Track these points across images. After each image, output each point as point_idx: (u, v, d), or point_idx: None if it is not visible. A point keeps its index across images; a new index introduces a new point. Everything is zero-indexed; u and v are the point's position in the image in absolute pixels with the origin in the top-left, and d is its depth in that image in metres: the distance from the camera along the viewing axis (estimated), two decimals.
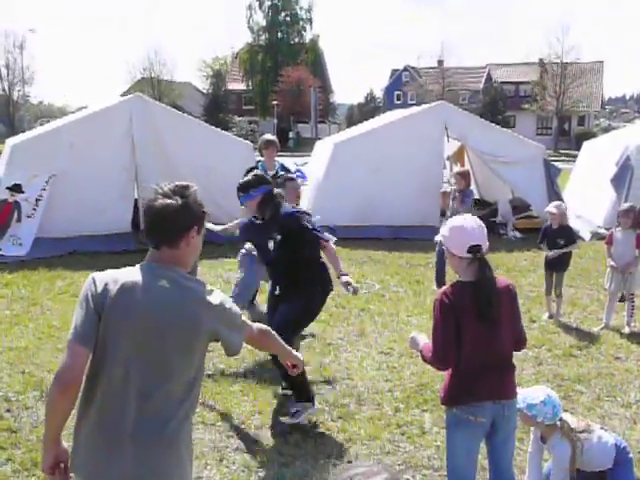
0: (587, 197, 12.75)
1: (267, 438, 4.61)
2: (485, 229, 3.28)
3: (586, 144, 15.11)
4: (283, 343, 2.92)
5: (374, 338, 6.76)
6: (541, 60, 53.18)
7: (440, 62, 57.63)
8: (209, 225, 5.36)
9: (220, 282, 8.66)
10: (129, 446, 2.28)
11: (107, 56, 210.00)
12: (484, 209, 13.32)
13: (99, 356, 2.33)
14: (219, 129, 13.34)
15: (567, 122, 55.63)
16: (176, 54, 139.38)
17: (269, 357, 5.55)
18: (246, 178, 4.98)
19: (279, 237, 4.86)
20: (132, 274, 2.39)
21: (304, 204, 10.86)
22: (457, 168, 12.74)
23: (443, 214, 8.83)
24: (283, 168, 8.05)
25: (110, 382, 2.31)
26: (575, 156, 16.75)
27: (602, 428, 3.89)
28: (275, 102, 52.27)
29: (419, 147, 12.04)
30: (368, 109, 59.81)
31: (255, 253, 5.94)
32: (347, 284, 4.95)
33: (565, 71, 49.49)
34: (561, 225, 7.31)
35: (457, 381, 3.21)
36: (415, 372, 5.80)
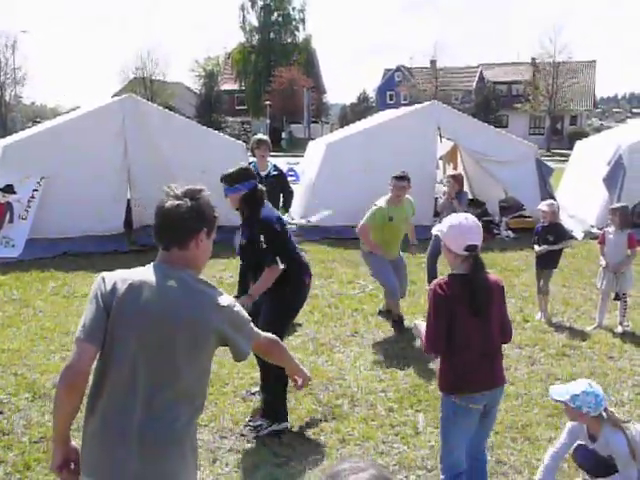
0: (580, 196, 12.80)
1: (261, 439, 4.60)
2: (481, 228, 3.45)
3: (578, 143, 15.17)
4: (291, 356, 2.94)
5: (367, 338, 6.76)
6: (533, 60, 53.30)
7: (433, 62, 57.69)
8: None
9: (213, 283, 8.62)
10: (135, 445, 2.29)
11: (99, 57, 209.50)
12: (477, 209, 13.35)
13: (107, 354, 2.33)
14: (212, 129, 13.31)
15: (560, 122, 55.78)
16: (169, 54, 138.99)
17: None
18: (232, 169, 4.76)
19: (262, 237, 4.55)
20: (141, 273, 2.41)
21: (297, 204, 10.86)
22: (450, 169, 12.80)
23: (436, 215, 8.84)
24: (276, 168, 8.03)
25: (117, 381, 2.32)
26: (568, 155, 16.81)
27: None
28: (268, 102, 52.22)
29: (412, 147, 12.05)
30: (361, 109, 59.81)
31: None
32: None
33: (557, 71, 49.60)
34: (552, 222, 7.34)
35: (454, 370, 3.38)
36: (409, 372, 5.80)
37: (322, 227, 11.89)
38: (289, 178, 9.04)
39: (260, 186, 4.79)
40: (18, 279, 8.95)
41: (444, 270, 8.74)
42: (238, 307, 2.53)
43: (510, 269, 9.88)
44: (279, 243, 4.63)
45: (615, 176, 11.76)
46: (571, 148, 15.97)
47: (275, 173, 7.95)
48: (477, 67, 61.83)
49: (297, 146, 37.95)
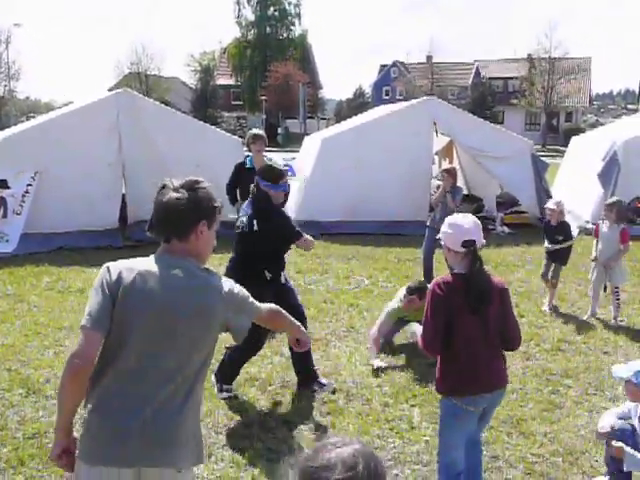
0: (575, 192, 12.80)
1: (256, 434, 4.59)
2: (481, 226, 3.47)
3: (574, 139, 15.19)
4: (292, 320, 2.98)
5: (363, 333, 6.75)
6: (529, 56, 53.32)
7: (429, 58, 57.68)
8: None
9: None
10: (141, 431, 2.30)
11: (94, 51, 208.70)
12: (473, 204, 13.36)
13: (112, 342, 2.35)
14: (207, 124, 13.27)
15: (555, 118, 55.82)
16: (164, 49, 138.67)
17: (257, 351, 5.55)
18: (276, 168, 5.09)
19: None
20: (146, 263, 2.43)
21: (292, 200, 10.84)
22: (446, 164, 12.79)
23: (432, 210, 8.85)
24: None
25: (123, 369, 2.34)
26: (563, 151, 16.83)
27: None
28: (264, 97, 52.09)
29: (408, 142, 12.05)
30: (357, 104, 59.71)
31: None
32: None
33: (553, 67, 49.64)
34: (559, 222, 7.50)
35: (453, 372, 3.36)
36: (404, 367, 5.80)
37: (317, 222, 11.88)
38: None
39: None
40: (12, 274, 8.92)
41: (440, 266, 8.75)
42: (238, 288, 2.56)
43: (505, 265, 9.89)
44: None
45: (610, 172, 11.78)
46: (566, 144, 16.00)
47: None
48: (473, 63, 61.87)
49: (293, 141, 37.89)
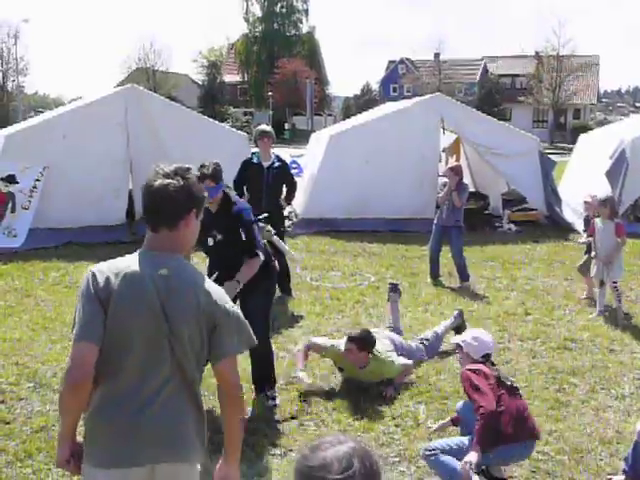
0: (582, 190, 12.74)
1: (261, 430, 4.61)
2: (494, 342, 4.26)
3: (582, 137, 15.11)
4: (239, 427, 2.46)
5: None
6: (537, 53, 53.12)
7: (436, 55, 57.55)
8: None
9: None
10: (146, 433, 2.30)
11: (103, 46, 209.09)
12: (480, 201, 13.34)
13: (107, 350, 2.28)
14: (214, 120, 13.29)
15: (563, 115, 55.60)
16: (172, 45, 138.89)
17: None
18: (209, 166, 5.01)
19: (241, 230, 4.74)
20: (132, 264, 2.34)
21: (300, 196, 10.85)
22: (452, 161, 12.76)
23: (439, 207, 8.85)
24: (279, 159, 8.01)
25: (120, 374, 2.31)
26: (571, 149, 16.78)
27: None
28: (270, 94, 52.11)
29: (415, 139, 12.02)
30: (364, 101, 59.65)
31: None
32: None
33: (561, 64, 49.44)
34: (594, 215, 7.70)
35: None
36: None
37: (324, 219, 11.88)
38: (292, 170, 9.01)
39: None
40: (20, 269, 8.96)
41: (447, 263, 8.75)
42: (233, 308, 2.45)
43: (512, 262, 9.87)
44: (255, 233, 4.80)
45: (618, 170, 11.71)
46: (574, 142, 15.92)
47: (278, 164, 7.91)
48: (481, 60, 61.64)
49: (300, 138, 37.88)
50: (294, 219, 12.19)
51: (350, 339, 5.15)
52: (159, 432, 2.32)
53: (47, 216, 10.30)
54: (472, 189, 14.05)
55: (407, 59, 62.75)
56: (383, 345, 5.40)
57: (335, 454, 1.45)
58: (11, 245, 9.94)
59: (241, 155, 8.92)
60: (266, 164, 7.83)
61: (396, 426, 4.69)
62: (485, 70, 60.14)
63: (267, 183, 7.79)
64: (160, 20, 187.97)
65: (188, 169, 2.39)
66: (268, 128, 8.19)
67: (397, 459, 4.25)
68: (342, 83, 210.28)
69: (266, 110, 53.45)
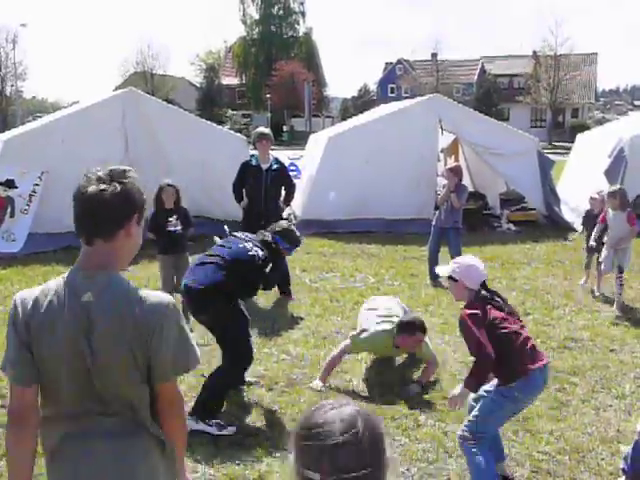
0: (581, 189, 12.76)
1: (262, 432, 4.61)
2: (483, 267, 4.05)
3: (580, 136, 15.12)
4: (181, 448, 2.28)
5: None
6: (534, 52, 53.15)
7: (434, 55, 57.59)
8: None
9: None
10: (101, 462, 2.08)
11: (100, 51, 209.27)
12: (478, 201, 13.34)
13: (44, 388, 2.10)
14: (213, 123, 13.30)
15: (561, 114, 55.66)
16: (169, 48, 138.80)
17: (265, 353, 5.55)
18: (292, 230, 5.31)
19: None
20: (53, 291, 2.06)
21: (298, 198, 10.85)
22: (451, 162, 12.76)
23: (437, 208, 8.86)
24: (277, 162, 8.02)
25: (61, 414, 2.10)
26: (569, 148, 16.77)
27: None
28: (268, 96, 52.12)
29: (413, 140, 12.03)
30: (362, 102, 59.68)
31: None
32: None
33: (559, 63, 49.45)
34: (602, 210, 7.91)
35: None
36: (409, 365, 5.80)
37: (323, 221, 11.89)
38: (290, 173, 9.02)
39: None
40: (20, 273, 8.96)
41: (447, 264, 8.74)
42: (171, 325, 2.10)
43: (511, 262, 9.87)
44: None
45: (616, 169, 11.72)
46: (572, 141, 15.93)
47: (277, 167, 7.92)
48: (478, 60, 61.70)
49: (298, 140, 37.88)
50: (293, 221, 12.19)
51: (414, 329, 5.27)
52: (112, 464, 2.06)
53: (47, 220, 10.28)
54: (471, 189, 14.08)
55: (405, 60, 62.80)
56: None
57: (338, 414, 1.39)
58: (10, 250, 9.94)
59: (240, 158, 8.93)
60: (265, 166, 7.84)
61: (396, 427, 4.68)
62: (483, 70, 60.18)
63: (266, 185, 7.80)
64: (157, 23, 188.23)
65: (125, 170, 2.12)
66: (267, 130, 8.21)
67: (398, 460, 4.24)
68: (340, 84, 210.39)
69: (264, 112, 53.46)
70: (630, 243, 7.55)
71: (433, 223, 8.69)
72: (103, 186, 2.03)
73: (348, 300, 7.85)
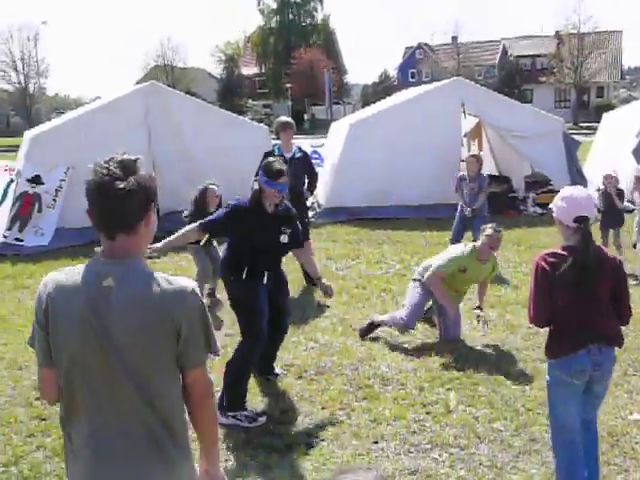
0: (608, 170, 12.56)
1: (292, 419, 4.63)
2: (593, 200, 3.46)
3: (606, 116, 14.89)
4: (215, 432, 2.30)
5: None
6: (557, 32, 52.31)
7: (454, 38, 57.00)
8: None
9: None
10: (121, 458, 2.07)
11: (120, 45, 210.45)
12: (503, 184, 13.20)
13: (61, 380, 2.10)
14: (234, 114, 13.32)
15: (586, 94, 54.74)
16: (189, 41, 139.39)
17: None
18: (278, 164, 4.95)
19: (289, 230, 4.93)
20: (74, 276, 2.06)
21: (321, 186, 10.84)
22: (475, 146, 12.64)
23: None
24: (300, 150, 8.01)
25: (78, 407, 2.09)
26: (595, 128, 16.52)
27: None
28: (288, 85, 52.05)
29: (436, 125, 11.94)
30: (382, 88, 59.31)
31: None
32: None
33: (582, 42, 48.64)
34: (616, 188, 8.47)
35: (555, 336, 3.44)
36: (439, 351, 5.78)
37: (347, 208, 11.87)
38: (313, 161, 9.00)
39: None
40: (50, 268, 9.02)
41: None
42: (197, 307, 2.10)
43: (539, 246, 9.74)
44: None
45: None
46: (598, 121, 15.69)
47: (300, 155, 7.91)
48: (499, 41, 60.91)
49: (320, 128, 37.82)
50: (317, 209, 12.20)
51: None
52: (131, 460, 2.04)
53: (72, 215, 10.39)
54: (496, 173, 13.95)
55: (425, 44, 62.23)
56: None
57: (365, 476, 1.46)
58: (39, 243, 10.13)
59: (262, 147, 8.93)
60: (288, 155, 7.83)
61: (427, 413, 4.68)
62: (504, 52, 59.41)
63: (290, 174, 7.79)
64: (176, 16, 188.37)
65: (135, 161, 2.09)
66: (289, 119, 8.19)
67: (429, 446, 4.24)
68: (360, 71, 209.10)
69: (285, 101, 53.45)
70: None
71: (458, 212, 8.64)
72: (121, 184, 2.00)
73: (374, 287, 7.84)
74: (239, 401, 4.67)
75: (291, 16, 61.46)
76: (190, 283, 2.12)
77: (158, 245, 4.56)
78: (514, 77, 53.86)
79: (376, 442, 4.31)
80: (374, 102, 18.80)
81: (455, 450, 4.19)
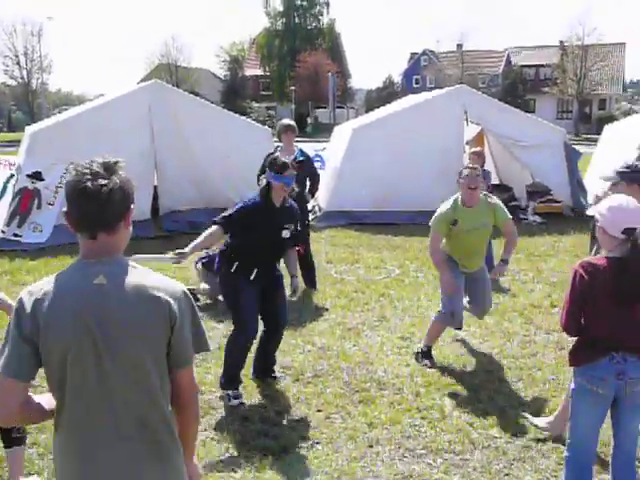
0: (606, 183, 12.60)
1: (288, 422, 4.64)
2: None
3: (607, 128, 14.91)
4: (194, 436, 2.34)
5: (394, 323, 6.75)
6: (561, 42, 52.45)
7: (459, 46, 57.13)
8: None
9: None
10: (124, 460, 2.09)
11: (124, 43, 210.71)
12: (504, 193, 13.22)
13: (53, 388, 2.13)
14: (237, 115, 13.34)
15: (588, 106, 54.86)
16: (193, 40, 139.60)
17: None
18: (282, 159, 5.05)
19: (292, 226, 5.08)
20: (62, 280, 2.08)
21: (322, 189, 10.86)
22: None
23: None
24: (302, 153, 8.02)
25: (71, 410, 2.12)
26: (596, 140, 16.54)
27: None
28: (292, 87, 52.12)
29: (438, 131, 11.96)
30: (386, 94, 59.38)
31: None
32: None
33: (586, 53, 48.76)
34: None
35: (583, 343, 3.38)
36: (435, 356, 5.79)
37: (348, 212, 11.88)
38: (315, 164, 9.02)
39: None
40: (48, 264, 9.08)
41: None
42: (186, 302, 2.14)
43: (538, 254, 9.79)
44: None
45: None
46: (599, 132, 15.71)
47: (302, 158, 7.92)
48: (504, 51, 61.09)
49: (322, 131, 37.85)
50: (318, 212, 12.21)
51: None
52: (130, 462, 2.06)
53: None
54: (497, 181, 13.96)
55: (430, 51, 62.39)
56: None
57: None
58: (36, 240, 10.09)
59: (264, 149, 8.95)
60: (289, 158, 7.84)
61: (422, 418, 4.69)
62: (508, 61, 59.56)
63: None
64: (181, 16, 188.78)
65: (117, 162, 2.12)
66: (291, 122, 8.21)
67: (424, 451, 4.25)
68: (364, 76, 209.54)
69: (288, 104, 53.50)
70: None
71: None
72: (104, 182, 2.02)
73: (373, 292, 7.84)
74: (231, 380, 4.98)
75: (297, 19, 61.54)
76: (179, 284, 2.18)
77: (185, 250, 4.75)
78: (517, 86, 54.01)
79: (371, 446, 4.32)
80: (378, 107, 18.82)
81: (450, 456, 4.20)
